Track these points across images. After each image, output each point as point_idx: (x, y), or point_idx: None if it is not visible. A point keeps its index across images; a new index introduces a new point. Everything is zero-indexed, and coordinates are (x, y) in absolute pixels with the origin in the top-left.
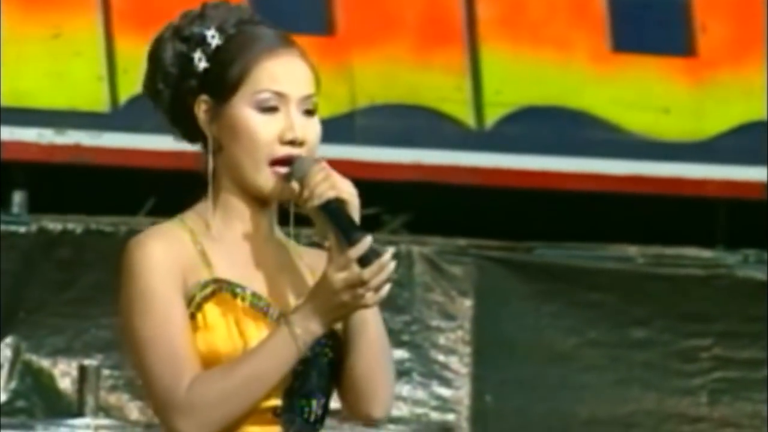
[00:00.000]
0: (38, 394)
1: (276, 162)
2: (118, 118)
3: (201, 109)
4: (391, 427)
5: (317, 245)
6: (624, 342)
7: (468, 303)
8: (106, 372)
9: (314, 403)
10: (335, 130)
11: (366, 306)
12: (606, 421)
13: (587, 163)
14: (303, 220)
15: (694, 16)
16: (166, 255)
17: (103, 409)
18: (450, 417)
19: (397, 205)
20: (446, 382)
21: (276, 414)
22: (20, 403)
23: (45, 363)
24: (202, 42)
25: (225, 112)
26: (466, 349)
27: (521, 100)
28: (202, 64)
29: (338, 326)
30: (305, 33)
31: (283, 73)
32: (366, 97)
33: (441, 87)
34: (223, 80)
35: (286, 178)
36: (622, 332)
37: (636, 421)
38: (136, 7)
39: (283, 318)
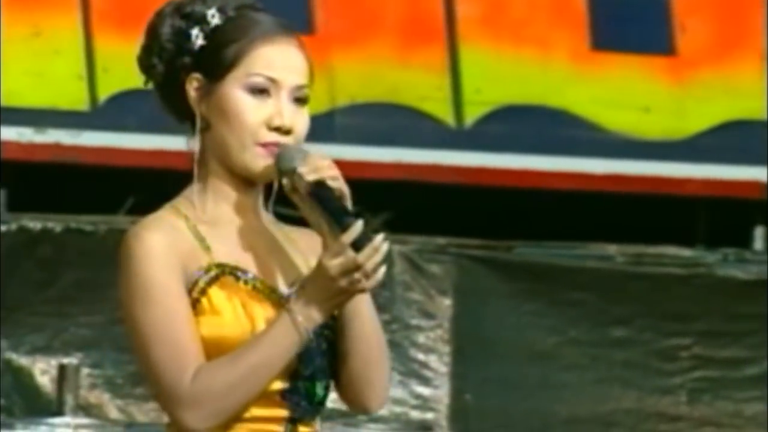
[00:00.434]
0: (18, 392)
1: (262, 147)
2: (97, 116)
3: (192, 86)
4: (371, 426)
5: (304, 224)
6: (604, 341)
7: (448, 302)
8: (85, 371)
9: (318, 385)
10: (315, 128)
11: (363, 290)
12: (586, 419)
13: (568, 162)
14: (289, 201)
15: (675, 15)
16: (165, 245)
17: (82, 408)
18: (429, 416)
19: (377, 203)
20: (426, 381)
21: (283, 397)
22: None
23: (25, 361)
24: (201, 20)
25: (216, 91)
26: (446, 348)
27: (502, 98)
28: (198, 42)
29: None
30: None
31: (278, 60)
32: (346, 95)
33: (421, 86)
34: (218, 59)
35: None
36: (602, 331)
37: (616, 420)
38: (115, 7)
39: (285, 301)
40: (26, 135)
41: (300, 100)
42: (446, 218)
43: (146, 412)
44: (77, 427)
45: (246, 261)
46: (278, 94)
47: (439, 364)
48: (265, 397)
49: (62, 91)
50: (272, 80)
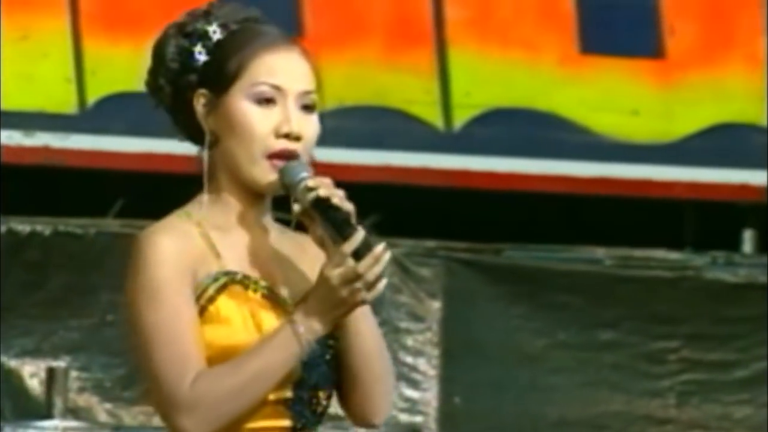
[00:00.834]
0: (7, 395)
1: (273, 156)
2: (86, 119)
3: (200, 103)
4: (360, 429)
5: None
6: (593, 344)
7: (436, 305)
8: (74, 374)
9: (321, 394)
10: None
11: (364, 302)
12: (575, 422)
13: (556, 165)
14: (285, 205)
15: (663, 18)
16: (176, 249)
17: (71, 411)
18: (418, 419)
19: (366, 206)
20: (414, 384)
21: (286, 406)
22: None
23: (13, 364)
24: (203, 36)
25: (222, 104)
26: (435, 351)
27: (490, 101)
28: (202, 58)
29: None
30: None
31: (282, 67)
32: (334, 98)
33: (410, 89)
34: (221, 72)
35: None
36: (590, 334)
37: (604, 423)
38: (104, 10)
39: (293, 311)
40: (15, 138)
41: (307, 107)
42: (435, 221)
43: (135, 415)
44: (66, 430)
45: (255, 270)
46: (284, 101)
47: (427, 367)
48: (269, 406)
49: (51, 94)
50: (277, 88)
